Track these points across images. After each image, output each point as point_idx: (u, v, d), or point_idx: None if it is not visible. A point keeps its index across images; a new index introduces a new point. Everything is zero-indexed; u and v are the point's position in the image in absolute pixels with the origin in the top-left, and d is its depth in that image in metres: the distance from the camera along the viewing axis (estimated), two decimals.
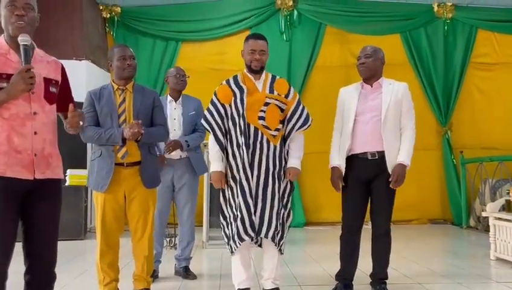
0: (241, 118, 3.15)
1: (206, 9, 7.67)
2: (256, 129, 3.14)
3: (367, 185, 3.37)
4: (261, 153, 3.13)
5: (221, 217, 3.28)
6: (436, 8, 7.75)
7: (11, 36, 2.24)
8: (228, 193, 3.21)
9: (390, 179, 3.27)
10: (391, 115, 3.32)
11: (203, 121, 3.26)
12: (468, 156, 7.37)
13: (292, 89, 3.31)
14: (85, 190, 6.24)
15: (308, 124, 3.26)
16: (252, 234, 3.09)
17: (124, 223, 3.17)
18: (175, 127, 4.03)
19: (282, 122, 3.24)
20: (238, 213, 3.10)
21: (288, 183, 3.25)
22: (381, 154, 3.31)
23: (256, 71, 3.22)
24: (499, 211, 4.94)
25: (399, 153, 3.32)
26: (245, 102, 3.15)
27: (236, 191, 3.14)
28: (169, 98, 4.17)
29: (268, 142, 3.15)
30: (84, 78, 6.56)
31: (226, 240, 3.24)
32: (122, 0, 7.47)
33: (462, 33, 7.82)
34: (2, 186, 2.15)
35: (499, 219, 4.76)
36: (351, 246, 3.42)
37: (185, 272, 4.08)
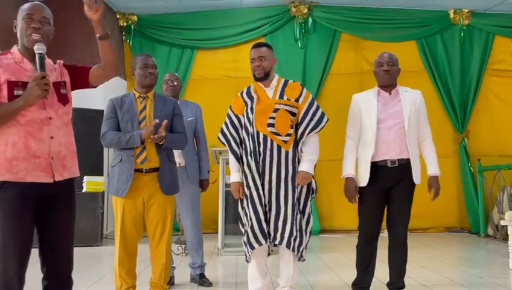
0: (251, 126, 3.19)
1: (222, 18, 7.72)
2: (265, 136, 3.15)
3: (385, 192, 3.35)
4: (271, 160, 3.14)
5: (240, 225, 3.31)
6: (452, 15, 7.70)
7: (26, 47, 2.29)
8: (244, 202, 3.23)
9: (429, 194, 3.35)
10: (413, 122, 3.31)
11: (219, 135, 3.31)
12: (486, 163, 7.27)
13: (305, 91, 3.27)
14: (101, 197, 6.30)
15: (322, 125, 3.21)
16: (263, 242, 3.10)
17: (142, 229, 3.20)
18: None
19: (294, 126, 3.23)
20: (249, 221, 3.13)
21: (304, 188, 3.20)
22: (401, 161, 3.29)
23: (260, 79, 3.24)
24: None
25: (428, 165, 3.36)
26: (254, 110, 3.19)
27: (249, 199, 3.16)
28: None
29: (279, 148, 3.15)
30: (101, 85, 6.62)
31: (244, 247, 3.25)
32: (138, 8, 7.55)
33: (479, 40, 7.74)
34: (20, 192, 2.20)
35: None
36: (368, 255, 3.39)
37: (200, 279, 4.09)
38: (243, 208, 3.26)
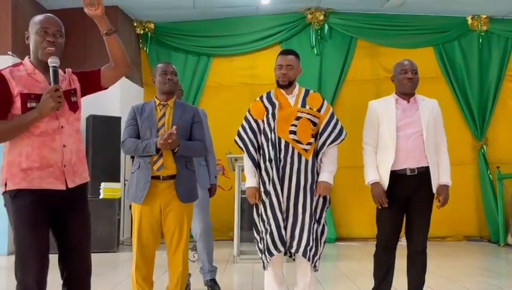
0: (272, 133, 3.17)
1: (237, 25, 7.75)
2: (287, 143, 3.14)
3: (404, 201, 3.31)
4: (291, 168, 3.13)
5: (255, 231, 3.30)
6: (470, 21, 7.62)
7: (39, 59, 2.32)
8: (261, 208, 3.21)
9: (437, 201, 3.28)
10: (431, 131, 3.28)
11: (236, 138, 3.29)
12: (505, 171, 7.17)
13: (326, 103, 3.29)
14: (118, 203, 6.34)
15: (342, 138, 3.23)
16: (282, 249, 3.08)
17: (159, 236, 3.20)
18: None
19: (314, 136, 3.22)
20: (268, 227, 3.10)
21: (321, 198, 3.21)
22: (420, 170, 3.25)
23: (284, 86, 3.24)
24: None
25: (440, 174, 3.30)
26: (276, 116, 3.17)
27: (267, 205, 3.14)
28: None
29: (299, 156, 3.14)
30: (118, 92, 6.72)
31: (259, 254, 3.23)
32: (155, 16, 7.62)
33: (497, 46, 7.64)
34: (34, 200, 2.23)
35: None
36: (387, 264, 3.34)
37: (211, 285, 4.10)
38: (259, 214, 3.24)
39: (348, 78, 7.67)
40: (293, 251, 3.10)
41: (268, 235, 3.09)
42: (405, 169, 3.25)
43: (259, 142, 3.24)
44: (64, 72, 2.46)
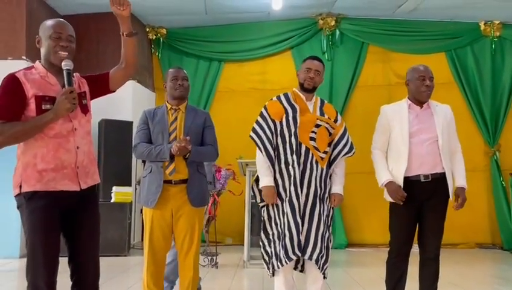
0: (292, 137, 3.15)
1: (249, 30, 7.78)
2: (307, 149, 3.14)
3: (417, 207, 3.27)
4: (310, 173, 3.13)
5: (262, 234, 3.26)
6: (482, 27, 7.57)
7: (51, 62, 2.35)
8: (274, 211, 3.19)
9: (454, 203, 3.27)
10: (446, 137, 3.25)
11: (252, 134, 3.22)
12: None
13: (339, 114, 3.35)
14: (129, 207, 6.37)
15: (353, 151, 3.28)
16: (299, 254, 3.06)
17: (171, 240, 3.21)
18: None
19: (329, 145, 3.24)
20: (287, 232, 3.06)
21: (331, 207, 3.25)
22: (435, 176, 3.22)
23: (308, 90, 3.24)
24: None
25: (457, 177, 3.30)
26: (298, 121, 3.16)
27: (283, 208, 3.12)
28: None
29: (317, 163, 3.15)
30: (130, 97, 6.78)
31: (266, 258, 3.21)
32: (167, 22, 7.68)
33: (510, 52, 7.58)
34: (49, 202, 2.26)
35: None
36: (399, 272, 3.30)
37: None
38: (270, 217, 3.21)
39: (359, 83, 7.65)
40: (306, 257, 3.08)
41: (287, 239, 3.05)
42: (419, 175, 3.21)
43: (276, 143, 3.21)
44: (73, 76, 2.49)
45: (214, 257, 5.49)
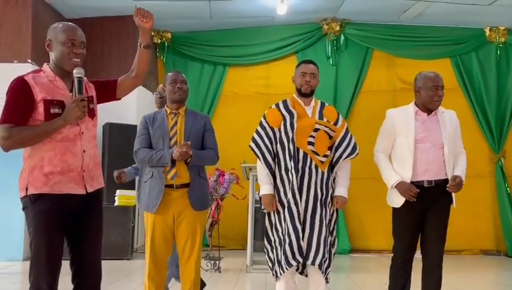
0: (290, 143, 3.15)
1: (253, 35, 7.80)
2: (305, 154, 3.14)
3: (421, 213, 3.26)
4: (309, 178, 3.12)
5: (265, 241, 3.27)
6: (488, 33, 7.56)
7: (62, 68, 2.36)
8: (275, 217, 3.19)
9: (448, 186, 3.15)
10: (452, 144, 3.24)
11: (252, 144, 3.26)
12: None
13: (341, 116, 3.32)
14: (133, 211, 6.37)
15: (356, 152, 3.25)
16: (300, 259, 3.05)
17: (172, 245, 3.21)
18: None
19: (330, 148, 3.22)
20: (286, 238, 3.07)
21: (334, 210, 3.23)
22: (438, 182, 3.21)
23: (306, 95, 3.23)
24: None
25: (456, 168, 3.23)
26: (295, 126, 3.16)
27: (284, 215, 3.12)
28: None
29: (316, 167, 3.14)
30: (135, 101, 6.78)
31: (270, 264, 3.21)
32: (172, 26, 7.70)
33: None
34: (55, 205, 2.27)
35: None
36: (403, 278, 3.27)
37: None
38: (272, 223, 3.22)
39: (364, 88, 7.64)
40: (309, 262, 3.07)
41: (287, 245, 3.05)
42: (422, 181, 3.21)
43: (275, 150, 3.22)
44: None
45: (217, 262, 5.48)
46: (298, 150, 3.13)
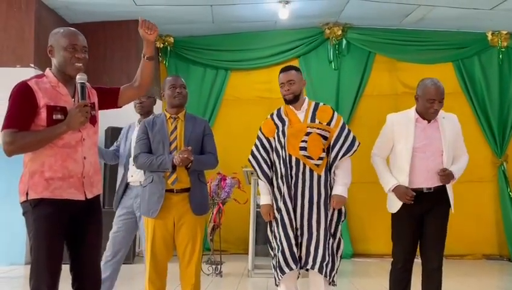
0: (283, 150, 3.18)
1: (255, 39, 7.80)
2: (297, 160, 3.14)
3: (419, 217, 3.26)
4: (303, 184, 3.12)
5: (269, 248, 3.32)
6: (490, 37, 7.55)
7: (65, 73, 2.37)
8: (274, 225, 3.23)
9: (439, 174, 3.16)
10: (451, 151, 3.25)
11: (250, 157, 3.32)
12: None
13: (336, 115, 3.27)
14: None
15: (354, 149, 3.21)
16: (294, 266, 3.07)
17: (172, 249, 3.22)
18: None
19: (326, 150, 3.21)
20: (280, 245, 3.10)
21: (336, 212, 3.19)
22: (437, 188, 3.21)
23: (290, 102, 3.25)
24: None
25: (452, 166, 3.24)
26: (286, 133, 3.18)
27: (279, 222, 3.14)
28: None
29: (311, 172, 3.14)
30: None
31: (273, 271, 3.23)
32: (175, 30, 7.71)
33: None
34: (55, 210, 2.28)
35: None
36: (404, 283, 3.27)
37: None
38: (272, 231, 3.26)
39: (366, 92, 7.64)
40: (308, 267, 3.08)
41: (280, 252, 3.08)
42: (421, 188, 3.22)
43: (272, 160, 3.25)
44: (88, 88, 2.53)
45: (219, 266, 5.47)
46: (290, 156, 3.14)
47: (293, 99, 3.24)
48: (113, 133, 6.58)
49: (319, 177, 3.14)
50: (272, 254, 3.25)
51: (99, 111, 2.59)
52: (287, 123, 3.22)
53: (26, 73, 5.40)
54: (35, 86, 2.29)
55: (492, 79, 7.52)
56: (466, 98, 7.53)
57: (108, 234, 3.66)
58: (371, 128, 6.59)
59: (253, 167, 3.31)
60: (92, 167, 2.42)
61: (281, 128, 3.22)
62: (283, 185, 3.14)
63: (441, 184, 3.21)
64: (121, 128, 6.58)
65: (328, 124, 3.22)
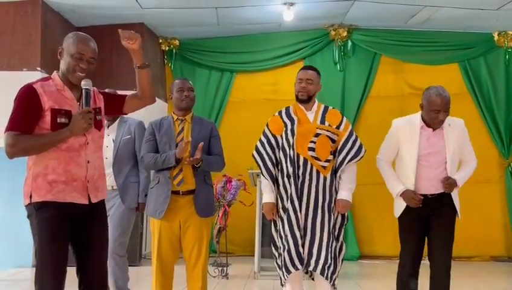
0: (291, 149, 3.16)
1: (260, 41, 7.81)
2: (305, 160, 3.13)
3: (425, 219, 3.25)
4: (310, 184, 3.11)
5: (273, 247, 3.29)
6: (496, 37, 7.51)
7: (69, 79, 2.38)
8: (279, 224, 3.20)
9: (443, 182, 3.17)
10: (456, 158, 3.24)
11: (254, 153, 3.28)
12: None
13: (345, 119, 3.29)
14: (141, 217, 6.38)
15: (361, 155, 3.22)
16: (299, 266, 3.06)
17: (179, 251, 3.22)
18: (106, 155, 3.51)
19: (333, 153, 3.21)
20: (286, 244, 3.08)
21: (339, 215, 3.20)
22: (441, 194, 3.22)
23: (303, 101, 3.24)
24: None
25: (457, 173, 3.24)
26: (295, 132, 3.16)
27: (285, 221, 3.12)
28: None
29: (318, 173, 3.13)
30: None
31: (278, 271, 3.22)
32: (180, 33, 7.74)
33: None
34: (58, 213, 2.29)
35: None
36: (411, 285, 3.26)
37: None
38: (277, 230, 3.24)
39: (371, 94, 7.62)
40: (310, 268, 3.07)
41: (286, 252, 3.07)
42: (425, 195, 3.22)
43: (278, 158, 3.23)
44: (95, 91, 2.53)
45: (225, 268, 5.47)
46: (298, 156, 3.13)
47: (306, 99, 3.24)
48: None
49: (325, 179, 3.14)
50: (276, 253, 3.24)
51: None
52: (296, 122, 3.21)
53: (32, 76, 5.38)
54: (40, 89, 2.30)
55: (499, 80, 7.48)
56: (472, 99, 7.49)
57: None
58: (377, 129, 6.57)
59: (256, 162, 3.27)
60: (96, 171, 2.42)
61: (289, 127, 3.20)
62: (290, 184, 3.12)
63: (444, 191, 3.20)
64: None
65: (337, 127, 3.23)
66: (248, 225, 6.30)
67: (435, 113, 3.17)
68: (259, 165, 3.25)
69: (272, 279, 5.24)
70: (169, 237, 3.16)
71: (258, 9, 6.87)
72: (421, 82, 6.73)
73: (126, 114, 2.69)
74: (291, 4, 6.62)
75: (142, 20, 7.00)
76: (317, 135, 3.16)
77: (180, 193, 3.16)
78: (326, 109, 3.30)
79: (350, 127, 3.28)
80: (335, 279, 3.10)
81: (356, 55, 7.68)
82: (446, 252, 3.23)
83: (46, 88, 2.32)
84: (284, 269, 3.09)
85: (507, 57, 7.50)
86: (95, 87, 2.54)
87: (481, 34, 7.53)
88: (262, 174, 3.24)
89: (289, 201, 3.11)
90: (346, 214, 3.24)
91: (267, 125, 3.31)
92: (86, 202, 2.35)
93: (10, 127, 2.26)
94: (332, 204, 3.16)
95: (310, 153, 3.14)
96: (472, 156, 3.34)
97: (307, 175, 3.12)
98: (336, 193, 3.20)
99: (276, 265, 3.25)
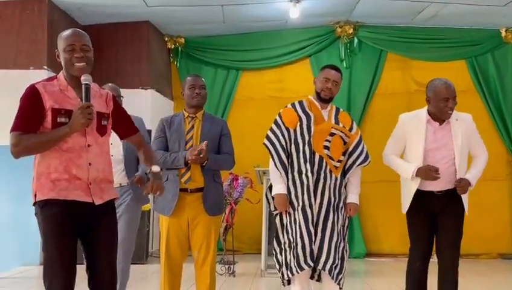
0: (306, 145, 3.13)
1: (267, 39, 7.79)
2: (321, 158, 3.12)
3: (433, 216, 3.24)
4: (324, 183, 3.11)
5: (275, 242, 3.26)
6: (504, 34, 7.45)
7: (72, 75, 2.38)
8: (286, 219, 3.17)
9: (456, 186, 3.14)
10: (463, 153, 3.21)
11: (266, 141, 3.19)
12: None
13: (355, 123, 3.32)
14: (148, 215, 6.40)
15: (368, 161, 3.25)
16: (311, 264, 3.04)
17: (187, 249, 3.22)
18: (112, 153, 3.22)
19: (343, 154, 3.21)
20: (299, 241, 3.04)
21: (347, 216, 3.23)
22: (449, 191, 3.19)
23: (324, 100, 3.21)
24: None
25: (468, 172, 3.20)
26: (312, 129, 3.14)
27: (295, 217, 3.10)
28: None
29: (330, 172, 3.13)
30: (149, 106, 6.83)
31: (277, 266, 3.21)
32: (186, 31, 7.74)
33: None
34: (63, 210, 2.29)
35: None
36: (419, 282, 3.26)
37: None
38: (282, 224, 3.20)
39: (378, 91, 7.59)
40: (319, 267, 3.05)
41: (299, 249, 3.03)
42: (432, 191, 3.20)
43: (290, 151, 3.18)
44: (102, 88, 2.53)
45: (232, 266, 5.47)
46: (314, 153, 3.11)
47: (327, 100, 3.21)
48: None
49: (336, 179, 3.14)
50: (278, 249, 3.20)
51: None
52: (312, 119, 3.17)
53: (39, 75, 5.44)
54: (42, 89, 2.31)
55: (507, 76, 7.43)
56: (480, 95, 7.44)
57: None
58: (384, 126, 6.54)
59: (269, 151, 3.15)
60: (100, 173, 2.40)
61: (305, 123, 3.16)
62: (307, 180, 3.08)
63: (452, 187, 3.17)
64: None
65: (350, 130, 3.23)
66: (255, 223, 6.30)
67: (443, 102, 3.13)
68: (271, 154, 3.15)
69: (278, 277, 5.24)
70: (178, 234, 3.16)
71: (264, 6, 6.86)
72: (428, 79, 6.53)
73: (122, 140, 2.76)
74: (297, 1, 6.60)
75: (148, 18, 7.00)
76: (332, 135, 3.16)
77: (189, 190, 3.16)
78: (338, 110, 3.30)
79: (360, 132, 3.31)
80: (341, 279, 3.09)
81: (362, 53, 7.65)
82: (454, 249, 3.21)
83: (49, 88, 2.33)
84: (294, 265, 3.04)
85: None
86: (110, 92, 2.54)
87: (488, 31, 7.48)
88: (275, 164, 3.14)
89: (306, 197, 3.07)
90: (349, 217, 3.28)
91: (280, 116, 3.23)
92: (89, 200, 2.35)
93: (14, 128, 2.29)
94: (341, 204, 3.16)
95: (325, 151, 3.13)
96: (482, 149, 3.30)
97: (322, 173, 3.11)
98: (344, 194, 3.21)
99: (275, 260, 3.21)
